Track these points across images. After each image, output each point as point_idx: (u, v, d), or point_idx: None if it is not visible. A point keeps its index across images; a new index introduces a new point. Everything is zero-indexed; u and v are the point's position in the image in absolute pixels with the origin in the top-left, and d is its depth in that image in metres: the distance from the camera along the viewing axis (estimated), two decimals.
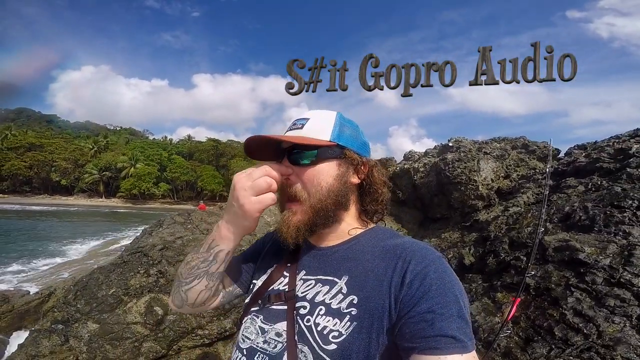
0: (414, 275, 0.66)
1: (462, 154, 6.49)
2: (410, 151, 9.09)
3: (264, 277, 0.90)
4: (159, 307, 4.06)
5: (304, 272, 0.82)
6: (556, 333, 2.67)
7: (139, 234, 9.43)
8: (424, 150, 8.59)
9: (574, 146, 6.07)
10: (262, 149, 0.84)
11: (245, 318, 0.85)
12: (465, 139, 7.32)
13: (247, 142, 0.81)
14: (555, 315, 2.79)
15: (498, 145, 7.03)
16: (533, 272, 3.16)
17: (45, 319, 4.01)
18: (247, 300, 0.90)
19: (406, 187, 7.70)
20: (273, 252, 0.95)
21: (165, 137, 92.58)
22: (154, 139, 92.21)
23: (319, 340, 0.68)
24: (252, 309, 0.85)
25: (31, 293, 8.56)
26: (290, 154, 0.80)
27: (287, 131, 0.84)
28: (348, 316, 0.68)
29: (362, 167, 0.84)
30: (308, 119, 0.83)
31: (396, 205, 7.96)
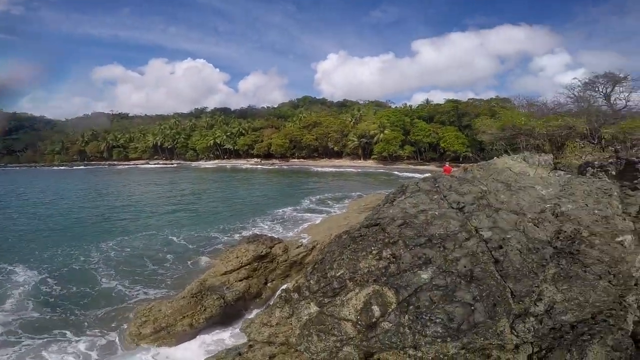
0: None
1: None
2: None
3: None
4: (377, 305, 3.61)
5: None
6: None
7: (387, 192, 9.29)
8: None
9: None
10: None
11: None
12: None
13: None
14: None
15: None
16: None
17: (293, 281, 4.50)
18: None
19: None
20: None
21: (405, 104, 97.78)
22: (395, 107, 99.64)
23: None
24: None
25: (304, 244, 10.62)
26: None
27: None
28: None
29: None
30: None
31: None
